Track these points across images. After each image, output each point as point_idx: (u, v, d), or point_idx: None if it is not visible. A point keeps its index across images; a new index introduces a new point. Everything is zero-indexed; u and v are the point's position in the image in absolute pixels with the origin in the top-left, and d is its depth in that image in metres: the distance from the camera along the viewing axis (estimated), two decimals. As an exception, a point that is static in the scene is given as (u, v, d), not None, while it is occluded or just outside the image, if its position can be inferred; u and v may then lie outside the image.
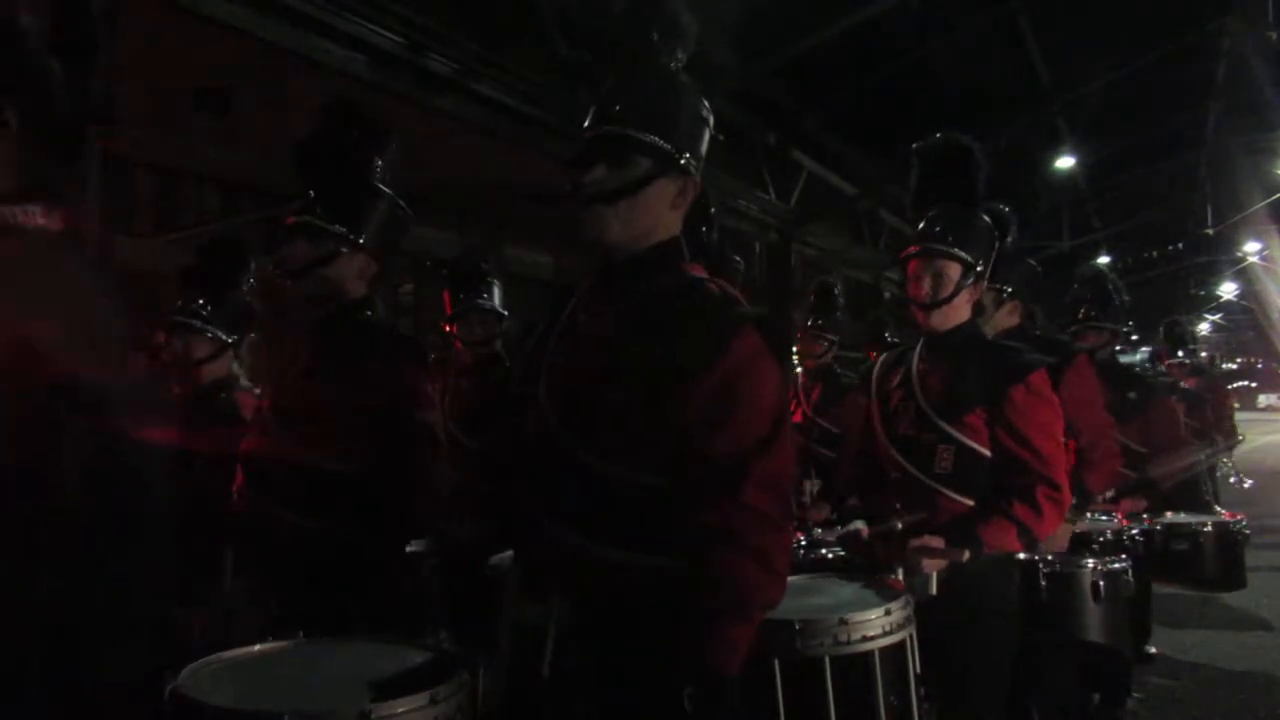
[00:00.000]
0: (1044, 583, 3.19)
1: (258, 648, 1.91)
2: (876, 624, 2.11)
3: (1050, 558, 3.33)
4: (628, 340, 1.79)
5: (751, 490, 1.69)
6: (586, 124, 1.82)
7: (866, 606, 2.18)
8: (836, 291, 5.56)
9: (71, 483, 1.16)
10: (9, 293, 1.23)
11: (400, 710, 1.56)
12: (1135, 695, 4.74)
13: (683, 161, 1.81)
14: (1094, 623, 3.26)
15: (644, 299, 1.82)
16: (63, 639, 1.19)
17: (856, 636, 2.08)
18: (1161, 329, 8.25)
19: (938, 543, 2.54)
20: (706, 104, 1.88)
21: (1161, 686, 5.13)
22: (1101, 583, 3.23)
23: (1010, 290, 3.80)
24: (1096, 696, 4.14)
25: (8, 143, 1.33)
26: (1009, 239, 3.83)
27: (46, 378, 1.18)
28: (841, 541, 2.79)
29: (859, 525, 2.78)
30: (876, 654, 2.09)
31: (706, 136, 1.87)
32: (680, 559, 1.69)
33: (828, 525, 4.62)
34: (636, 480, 1.73)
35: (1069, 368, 3.83)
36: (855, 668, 2.07)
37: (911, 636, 2.20)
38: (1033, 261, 4.19)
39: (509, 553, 2.78)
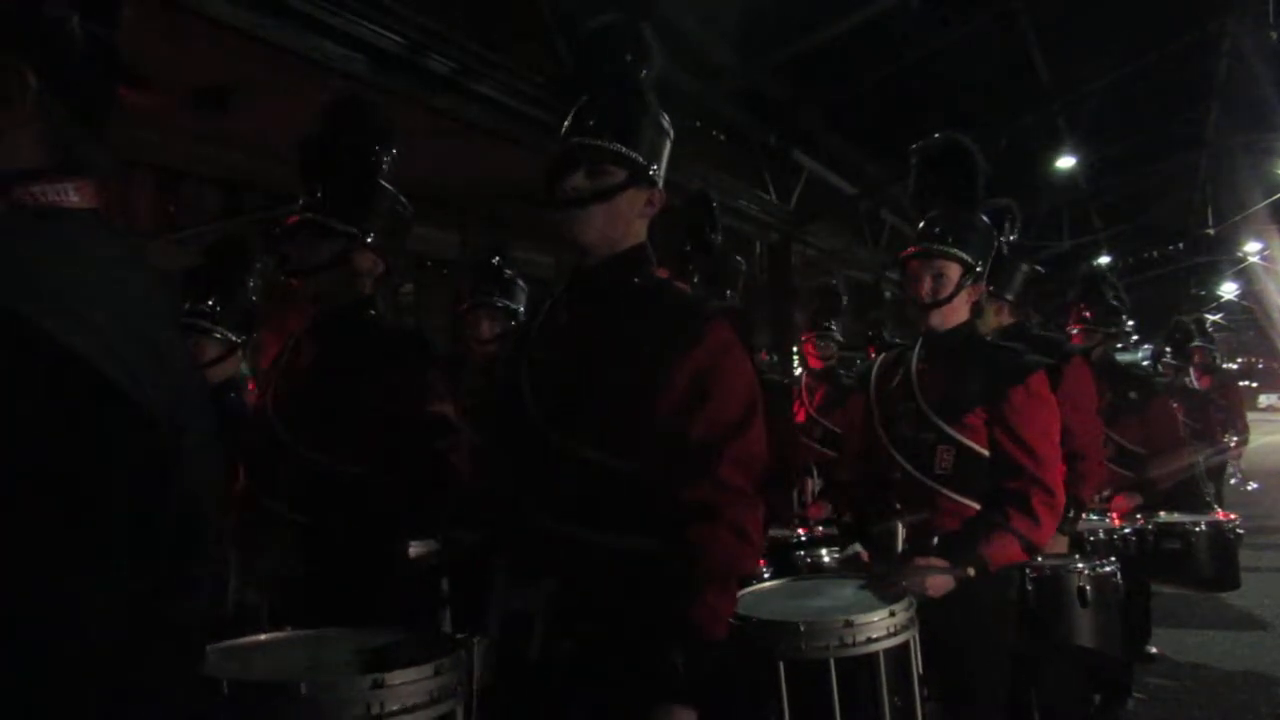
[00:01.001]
0: (1030, 588, 3.17)
1: (263, 636, 1.97)
2: (881, 625, 2.12)
3: (1040, 559, 3.31)
4: (606, 333, 1.91)
5: (727, 469, 1.79)
6: (564, 132, 1.95)
7: (871, 608, 2.18)
8: (841, 293, 5.56)
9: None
10: (47, 282, 1.09)
11: (409, 680, 1.65)
12: (1135, 695, 4.75)
13: (651, 173, 1.95)
14: (1082, 627, 3.24)
15: (619, 296, 1.94)
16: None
17: (861, 638, 2.09)
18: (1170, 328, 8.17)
19: (941, 564, 2.53)
20: (667, 117, 2.01)
21: (1161, 686, 5.14)
22: (1089, 587, 3.21)
23: (993, 288, 3.78)
24: (1097, 697, 4.15)
25: (29, 111, 1.16)
26: (1012, 235, 3.83)
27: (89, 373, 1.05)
28: (843, 565, 2.79)
29: (857, 549, 2.77)
30: (881, 655, 2.09)
31: (668, 144, 2.01)
32: (660, 539, 1.78)
33: (828, 522, 4.63)
34: (617, 466, 1.82)
35: (1065, 368, 3.82)
36: (860, 669, 2.08)
37: (915, 637, 2.21)
38: (1034, 267, 4.14)
39: None
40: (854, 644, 2.07)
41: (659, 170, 1.97)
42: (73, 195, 1.19)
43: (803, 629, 2.06)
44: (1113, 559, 3.49)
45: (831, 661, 2.05)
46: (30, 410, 1.04)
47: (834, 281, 5.84)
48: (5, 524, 1.02)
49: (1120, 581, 3.35)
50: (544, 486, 1.87)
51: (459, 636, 1.88)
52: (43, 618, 1.04)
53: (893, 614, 2.15)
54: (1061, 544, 3.60)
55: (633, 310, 1.91)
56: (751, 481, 1.83)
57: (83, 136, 1.23)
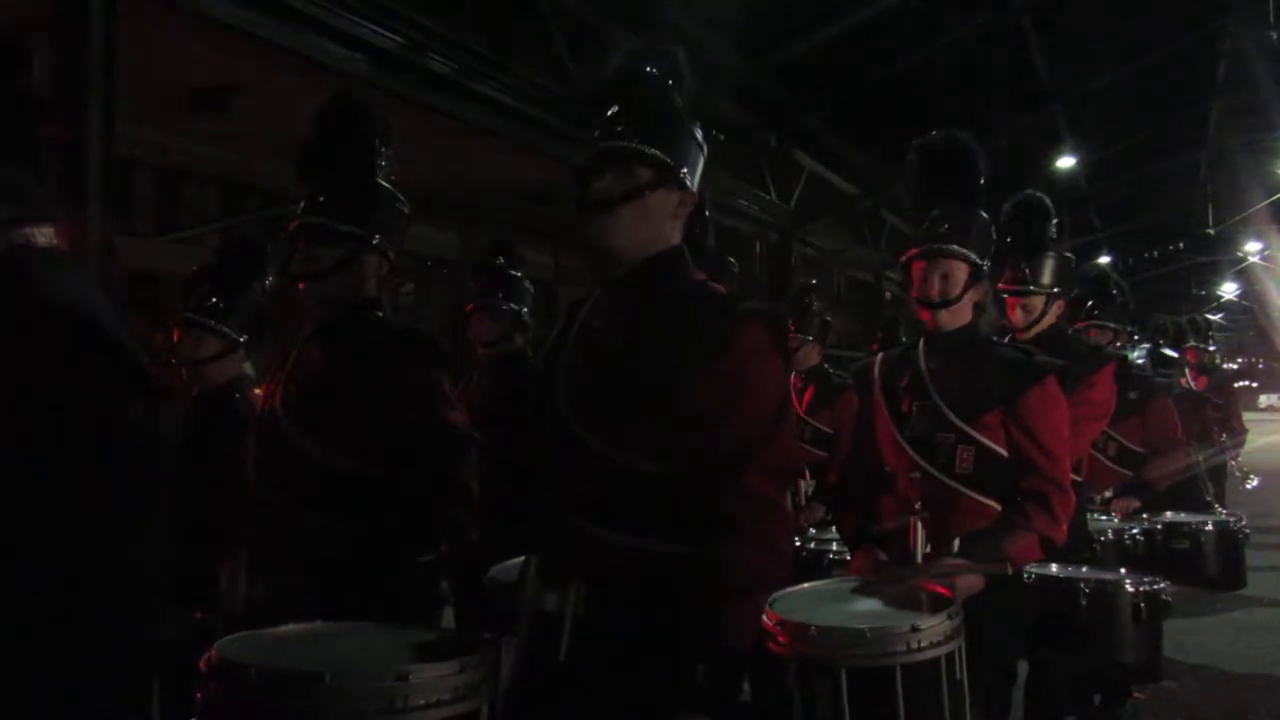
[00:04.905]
0: (1084, 603, 3.10)
1: (291, 626, 1.97)
2: (943, 629, 2.01)
3: (1085, 570, 3.27)
4: (638, 337, 1.89)
5: (754, 477, 1.78)
6: (594, 139, 1.96)
7: (931, 612, 2.07)
8: (810, 295, 5.52)
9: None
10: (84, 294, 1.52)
11: (432, 674, 1.68)
12: (1135, 695, 4.74)
13: (681, 173, 1.94)
14: (1130, 643, 3.19)
15: (652, 300, 1.93)
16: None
17: (926, 643, 1.96)
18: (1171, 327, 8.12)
19: (967, 564, 2.48)
20: (699, 130, 2.03)
21: (1161, 687, 5.12)
22: (1143, 605, 3.15)
23: (1058, 289, 3.79)
24: (1097, 697, 4.14)
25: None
26: (1052, 234, 3.87)
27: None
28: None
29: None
30: (943, 660, 1.99)
31: (701, 158, 2.02)
32: (689, 545, 1.77)
33: (822, 526, 4.58)
34: (647, 470, 1.82)
35: (1096, 375, 3.81)
36: (926, 674, 1.97)
37: (962, 642, 2.08)
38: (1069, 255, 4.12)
39: (508, 563, 2.77)
40: (919, 649, 1.95)
41: (690, 174, 1.97)
42: (38, 238, 1.55)
43: (868, 635, 1.93)
44: (1160, 579, 3.35)
45: (898, 669, 1.92)
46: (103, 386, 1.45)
47: (806, 281, 5.83)
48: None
49: (1169, 599, 3.28)
50: (576, 488, 1.88)
51: (487, 636, 1.88)
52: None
53: (951, 617, 2.03)
54: None
55: (664, 313, 1.90)
56: (780, 490, 1.82)
57: (39, 188, 1.59)
